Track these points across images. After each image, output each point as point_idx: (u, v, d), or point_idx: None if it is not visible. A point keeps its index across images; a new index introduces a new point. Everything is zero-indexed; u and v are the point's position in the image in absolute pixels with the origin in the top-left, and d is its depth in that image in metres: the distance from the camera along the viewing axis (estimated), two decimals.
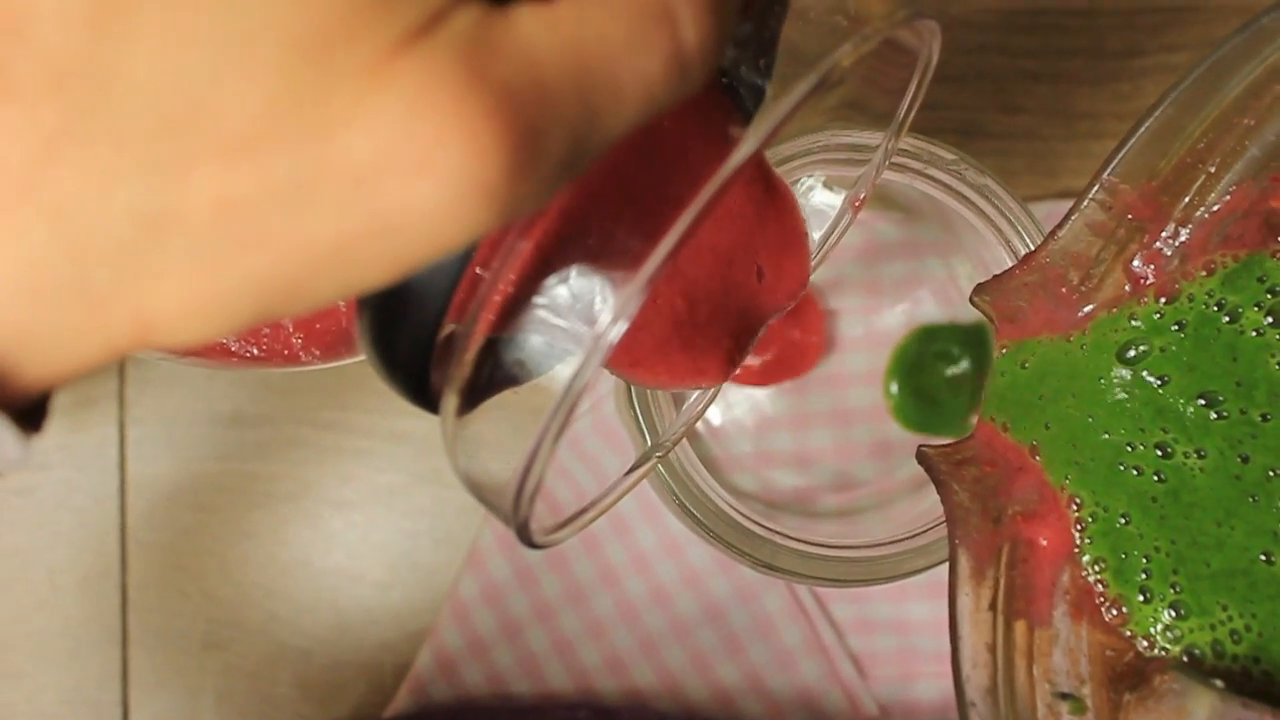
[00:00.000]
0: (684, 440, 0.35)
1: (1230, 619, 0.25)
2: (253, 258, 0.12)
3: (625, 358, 0.22)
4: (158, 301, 0.12)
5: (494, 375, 0.18)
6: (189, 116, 0.11)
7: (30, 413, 0.13)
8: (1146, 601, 0.25)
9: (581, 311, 0.16)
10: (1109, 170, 0.25)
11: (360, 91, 0.12)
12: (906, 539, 0.34)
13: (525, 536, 0.19)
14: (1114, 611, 0.25)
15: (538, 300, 0.17)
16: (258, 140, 0.12)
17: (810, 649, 0.40)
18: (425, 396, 0.19)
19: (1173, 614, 0.25)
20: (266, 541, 0.44)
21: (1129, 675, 0.24)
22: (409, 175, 0.12)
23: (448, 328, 0.18)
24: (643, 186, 0.18)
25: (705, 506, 0.34)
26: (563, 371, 0.16)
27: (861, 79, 0.27)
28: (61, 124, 0.11)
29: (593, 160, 0.14)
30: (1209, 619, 0.25)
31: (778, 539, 0.34)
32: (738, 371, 0.25)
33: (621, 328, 0.15)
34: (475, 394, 0.18)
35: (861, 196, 0.28)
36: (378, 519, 0.44)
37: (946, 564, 0.25)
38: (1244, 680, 0.24)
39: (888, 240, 0.40)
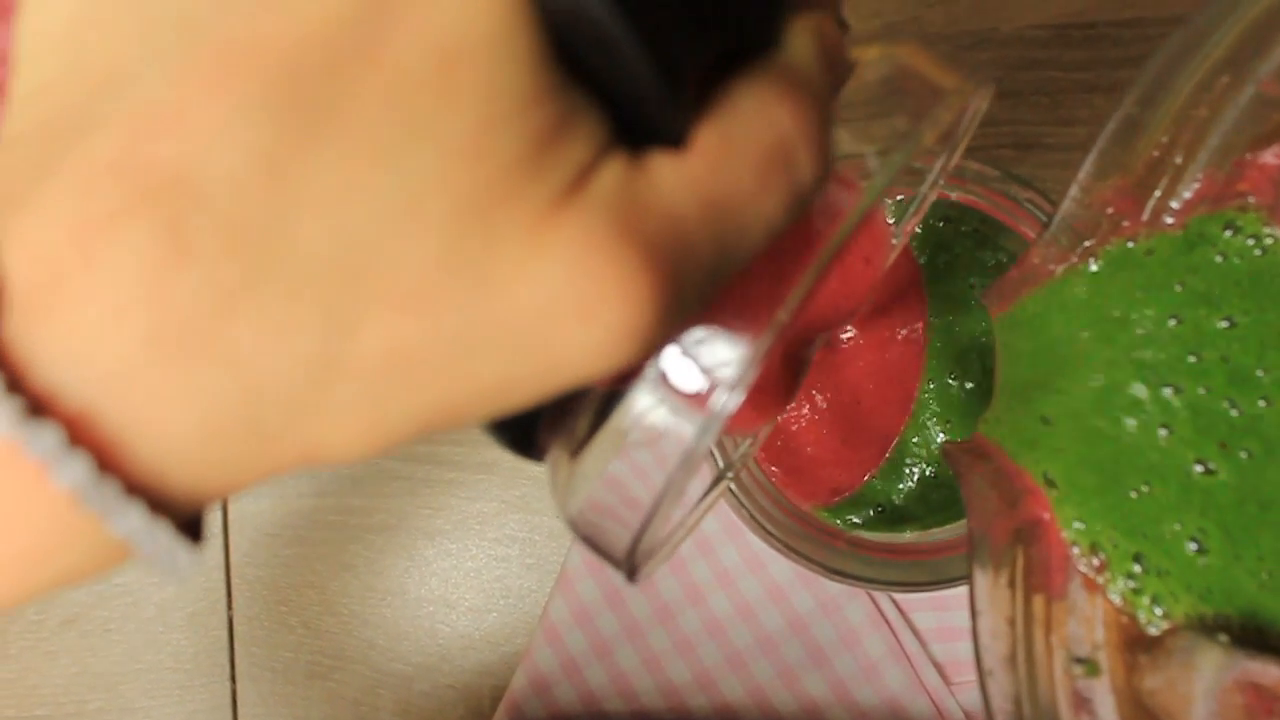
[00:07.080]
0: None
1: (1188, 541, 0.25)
2: (419, 396, 0.13)
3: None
4: (324, 435, 0.13)
5: (602, 425, 0.19)
6: (361, 271, 0.12)
7: (192, 523, 0.14)
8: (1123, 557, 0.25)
9: (693, 373, 0.16)
10: (1083, 171, 0.26)
11: (523, 248, 0.13)
12: None
13: (634, 577, 0.20)
14: (1093, 562, 0.25)
15: (648, 363, 0.17)
16: (428, 293, 0.12)
17: (894, 658, 0.41)
18: (529, 448, 0.20)
19: (1139, 567, 0.25)
20: (364, 572, 0.46)
21: (1143, 640, 0.25)
22: (571, 324, 0.13)
23: None
24: None
25: (777, 520, 0.35)
26: (668, 422, 0.17)
27: (889, 93, 0.28)
28: (240, 281, 0.12)
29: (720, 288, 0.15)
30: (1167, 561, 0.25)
31: (845, 545, 0.35)
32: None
33: (739, 397, 0.15)
34: (583, 444, 0.19)
35: (910, 224, 0.29)
36: (470, 546, 0.46)
37: None
38: (1244, 634, 0.24)
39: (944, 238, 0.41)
